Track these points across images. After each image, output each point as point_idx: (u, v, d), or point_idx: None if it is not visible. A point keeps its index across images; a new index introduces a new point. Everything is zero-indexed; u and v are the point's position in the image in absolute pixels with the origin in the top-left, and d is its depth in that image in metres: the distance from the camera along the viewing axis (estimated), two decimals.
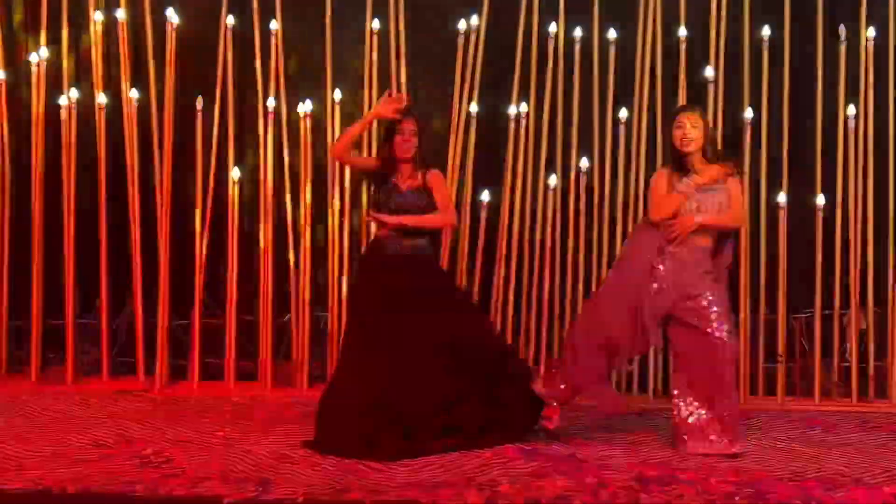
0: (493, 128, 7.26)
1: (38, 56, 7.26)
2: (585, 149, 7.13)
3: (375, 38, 7.19)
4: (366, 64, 7.20)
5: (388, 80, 7.20)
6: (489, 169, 7.23)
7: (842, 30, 6.96)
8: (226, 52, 7.22)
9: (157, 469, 5.23)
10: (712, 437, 5.61)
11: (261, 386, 7.17)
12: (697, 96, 7.02)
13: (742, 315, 6.87)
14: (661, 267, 5.66)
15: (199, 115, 7.14)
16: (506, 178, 7.16)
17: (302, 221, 7.17)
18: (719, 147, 5.95)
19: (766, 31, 7.00)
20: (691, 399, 5.65)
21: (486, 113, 7.22)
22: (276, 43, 7.22)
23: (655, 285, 5.64)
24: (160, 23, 7.22)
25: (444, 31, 7.26)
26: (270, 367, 7.17)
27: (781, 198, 6.91)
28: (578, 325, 5.96)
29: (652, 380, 7.01)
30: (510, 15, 7.21)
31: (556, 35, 7.16)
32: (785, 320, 6.99)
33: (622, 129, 7.09)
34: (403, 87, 7.19)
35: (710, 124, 6.05)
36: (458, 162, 7.16)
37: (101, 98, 7.22)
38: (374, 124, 6.60)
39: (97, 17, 7.26)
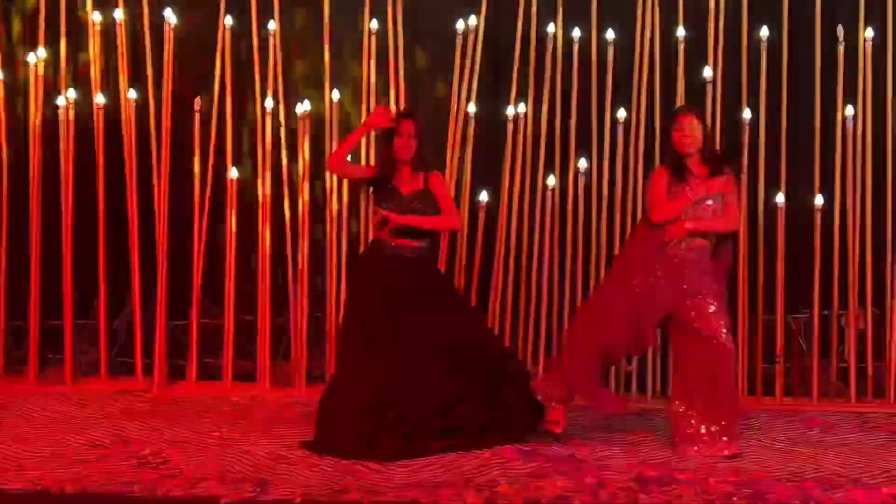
0: (491, 128, 7.25)
1: (36, 57, 7.25)
2: (584, 149, 7.13)
3: (374, 38, 7.19)
4: (364, 64, 7.19)
5: (386, 80, 7.20)
6: (487, 169, 7.23)
7: (840, 30, 6.96)
8: (224, 52, 7.22)
9: (155, 469, 5.23)
10: (710, 438, 5.61)
11: (259, 386, 7.16)
12: (696, 97, 7.02)
13: (740, 315, 6.88)
14: (660, 267, 5.65)
15: (198, 115, 7.13)
16: (504, 178, 7.15)
17: (300, 221, 7.16)
18: (718, 148, 5.95)
19: (764, 31, 7.00)
20: (690, 400, 5.65)
21: (485, 113, 7.22)
22: (274, 43, 7.22)
23: (655, 286, 5.63)
24: (158, 23, 7.21)
25: (442, 32, 7.25)
26: (269, 367, 7.17)
27: (780, 198, 6.91)
28: (576, 325, 5.95)
29: (651, 380, 7.01)
30: (508, 15, 7.20)
31: (555, 35, 7.15)
32: (783, 320, 6.99)
33: (620, 129, 7.08)
34: (401, 88, 7.19)
35: (709, 125, 6.03)
36: (456, 162, 7.15)
37: (100, 98, 7.21)
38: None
39: (95, 17, 7.25)
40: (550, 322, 7.10)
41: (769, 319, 7.00)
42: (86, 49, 7.34)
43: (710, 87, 7.02)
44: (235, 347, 7.20)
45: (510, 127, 7.16)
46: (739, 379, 6.61)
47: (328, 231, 7.15)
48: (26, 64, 7.31)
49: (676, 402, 5.72)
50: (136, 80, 7.26)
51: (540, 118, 7.15)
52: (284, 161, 7.19)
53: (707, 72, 7.02)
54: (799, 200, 7.00)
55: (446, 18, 7.22)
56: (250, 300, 7.22)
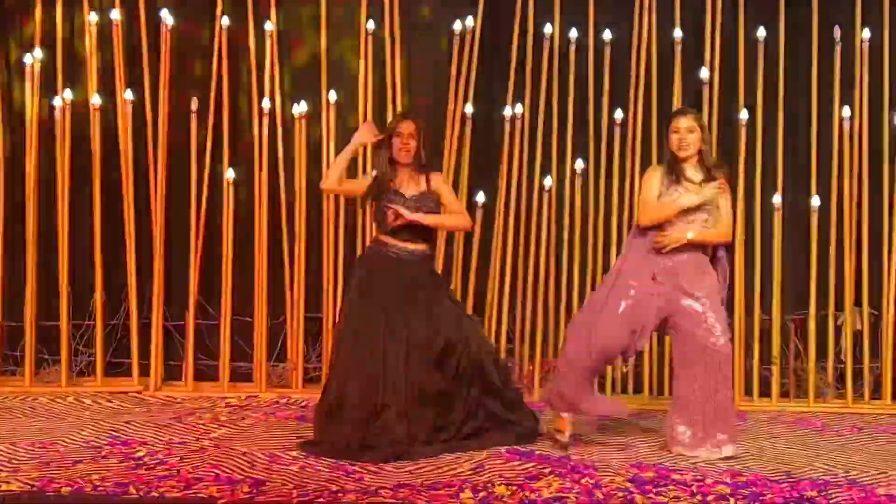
0: (488, 129, 7.25)
1: (33, 57, 7.24)
2: (581, 150, 7.13)
3: (370, 39, 7.19)
4: (361, 65, 7.19)
5: (383, 80, 7.20)
6: (484, 170, 7.23)
7: (836, 31, 6.96)
8: (220, 52, 7.21)
9: (150, 470, 5.23)
10: (707, 439, 5.60)
11: (255, 387, 7.16)
12: (692, 97, 7.02)
13: (737, 316, 6.88)
14: (657, 273, 5.63)
15: (194, 116, 7.13)
16: (501, 179, 7.16)
17: (297, 222, 7.16)
18: (715, 149, 5.93)
19: (761, 32, 7.01)
20: (688, 402, 5.64)
21: (482, 114, 7.22)
22: (270, 44, 7.21)
23: (651, 292, 5.61)
24: (155, 24, 7.21)
25: (439, 32, 7.25)
26: (265, 368, 7.17)
27: (776, 199, 6.91)
28: (571, 333, 5.87)
29: (647, 381, 7.01)
30: (505, 16, 7.21)
31: (552, 36, 7.15)
32: (780, 321, 6.99)
33: (617, 130, 7.09)
34: (399, 88, 7.19)
35: (707, 127, 6.00)
36: (453, 163, 7.15)
37: (96, 99, 7.20)
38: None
39: (92, 17, 7.25)
40: (547, 322, 7.10)
41: (766, 320, 7.01)
42: (82, 50, 7.33)
43: (706, 88, 7.02)
44: (231, 348, 7.19)
45: (507, 127, 7.16)
46: (736, 380, 6.61)
47: (325, 231, 7.15)
48: (22, 64, 7.29)
49: (675, 404, 5.71)
50: (133, 80, 7.25)
51: (537, 119, 7.15)
52: (281, 161, 7.18)
53: (704, 72, 7.02)
54: (795, 201, 7.01)
55: (443, 19, 7.22)
56: (246, 301, 7.22)
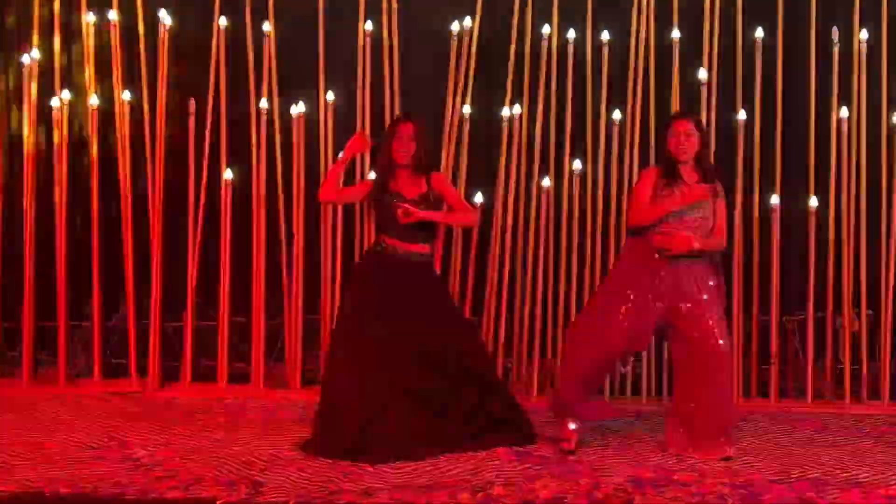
0: (486, 129, 7.25)
1: (30, 58, 7.24)
2: (578, 151, 7.13)
3: (368, 39, 7.19)
4: (359, 66, 7.19)
5: (381, 81, 7.20)
6: (482, 170, 7.23)
7: (834, 32, 6.97)
8: (218, 53, 7.21)
9: (149, 471, 5.22)
10: (707, 440, 5.60)
11: (253, 388, 7.15)
12: (690, 98, 7.02)
13: (735, 316, 6.87)
14: (655, 277, 5.62)
15: (192, 116, 7.12)
16: (499, 180, 7.15)
17: (295, 222, 7.15)
18: (713, 153, 5.92)
19: (759, 32, 7.01)
20: (688, 403, 5.64)
21: (480, 114, 7.22)
22: (268, 45, 7.21)
23: (650, 298, 5.60)
24: (153, 24, 7.20)
25: (437, 33, 7.25)
26: (263, 368, 7.16)
27: (774, 199, 6.91)
28: (572, 342, 5.84)
29: (646, 381, 7.01)
30: (503, 17, 7.20)
31: (550, 37, 7.15)
32: (778, 322, 6.99)
33: (615, 131, 7.09)
34: (396, 89, 7.19)
35: (705, 131, 5.96)
36: (450, 163, 7.15)
37: (94, 100, 7.20)
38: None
39: (89, 18, 7.24)
40: (546, 323, 7.10)
41: (764, 321, 7.01)
42: (80, 50, 7.33)
43: (704, 89, 7.02)
44: (230, 349, 7.18)
45: (505, 128, 7.16)
46: (734, 380, 6.60)
47: (323, 232, 7.14)
48: (20, 65, 7.29)
49: (675, 405, 5.71)
50: (131, 81, 7.25)
51: (535, 120, 7.15)
52: (279, 162, 7.18)
53: (702, 73, 7.02)
54: (793, 202, 7.01)
55: (441, 20, 7.22)
56: (244, 302, 7.22)
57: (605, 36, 7.10)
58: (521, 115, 7.14)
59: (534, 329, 7.10)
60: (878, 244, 6.95)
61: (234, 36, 7.25)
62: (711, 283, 5.67)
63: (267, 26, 7.20)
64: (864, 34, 6.96)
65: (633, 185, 5.90)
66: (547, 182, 7.10)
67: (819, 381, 6.99)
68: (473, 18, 7.19)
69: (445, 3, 7.29)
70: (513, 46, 7.17)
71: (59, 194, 7.18)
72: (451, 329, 5.79)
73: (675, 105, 7.00)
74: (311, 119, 7.16)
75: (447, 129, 7.16)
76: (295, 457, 5.51)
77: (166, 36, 7.17)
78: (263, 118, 7.16)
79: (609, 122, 7.08)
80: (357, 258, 6.83)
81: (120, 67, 7.24)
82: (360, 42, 7.18)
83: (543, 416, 6.00)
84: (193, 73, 7.32)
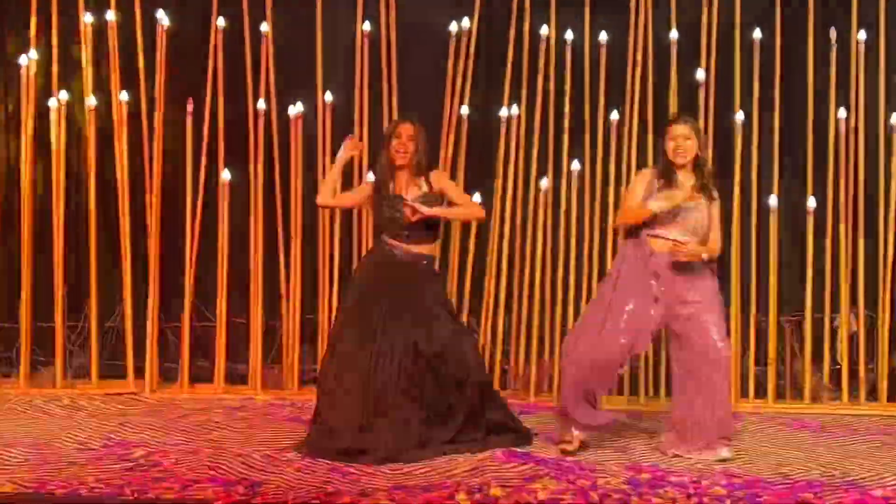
0: (484, 130, 7.25)
1: (28, 58, 7.23)
2: (577, 151, 7.13)
3: (366, 40, 7.18)
4: (357, 66, 7.18)
5: (379, 82, 7.19)
6: (480, 171, 7.23)
7: (832, 33, 6.97)
8: (216, 54, 7.20)
9: (146, 472, 5.21)
10: (704, 441, 5.60)
11: (251, 389, 7.15)
12: (688, 99, 7.02)
13: (733, 317, 6.87)
14: (654, 281, 5.61)
15: (190, 117, 7.12)
16: (497, 180, 7.15)
17: (293, 223, 7.15)
18: (711, 151, 5.92)
19: (757, 33, 7.01)
20: (687, 404, 5.64)
21: (478, 115, 7.22)
22: (266, 45, 7.21)
23: (650, 304, 5.59)
24: (151, 25, 7.20)
25: (435, 34, 7.25)
26: (261, 369, 7.16)
27: (773, 200, 6.91)
28: (571, 351, 5.82)
29: (644, 382, 7.00)
30: (502, 17, 7.21)
31: (548, 37, 7.15)
32: (776, 323, 6.99)
33: (613, 131, 7.08)
34: (395, 89, 7.19)
35: (703, 133, 5.95)
36: (449, 164, 7.15)
37: (91, 100, 7.20)
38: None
39: (87, 18, 7.24)
40: (543, 324, 7.10)
41: (762, 321, 7.01)
42: (78, 51, 7.32)
43: (702, 89, 7.02)
44: (227, 350, 7.18)
45: (503, 129, 7.15)
46: (732, 381, 6.60)
47: (321, 233, 7.14)
48: (16, 66, 7.28)
49: (673, 406, 5.71)
50: (129, 81, 7.24)
51: (533, 120, 7.15)
52: (277, 162, 7.17)
53: (700, 74, 7.02)
54: (792, 202, 7.01)
55: (439, 21, 7.22)
56: (242, 303, 7.21)
57: (603, 36, 7.10)
58: (518, 116, 7.14)
59: (531, 329, 7.10)
60: (876, 244, 6.95)
61: (232, 36, 7.25)
62: (709, 285, 5.67)
63: (265, 27, 7.20)
64: (861, 34, 6.96)
65: (630, 185, 5.89)
66: (545, 182, 7.10)
67: (816, 382, 6.99)
68: (471, 19, 7.19)
69: (444, 3, 7.29)
70: (511, 47, 7.17)
71: (57, 195, 7.17)
72: (448, 331, 5.78)
73: (673, 106, 7.00)
74: (309, 119, 7.17)
75: (445, 129, 7.16)
76: (293, 458, 5.50)
77: (164, 36, 7.16)
78: (261, 118, 7.16)
79: (607, 122, 7.08)
80: (354, 259, 6.83)
81: (117, 68, 7.23)
82: (359, 43, 7.18)
83: (542, 417, 5.99)
84: (191, 73, 7.32)
